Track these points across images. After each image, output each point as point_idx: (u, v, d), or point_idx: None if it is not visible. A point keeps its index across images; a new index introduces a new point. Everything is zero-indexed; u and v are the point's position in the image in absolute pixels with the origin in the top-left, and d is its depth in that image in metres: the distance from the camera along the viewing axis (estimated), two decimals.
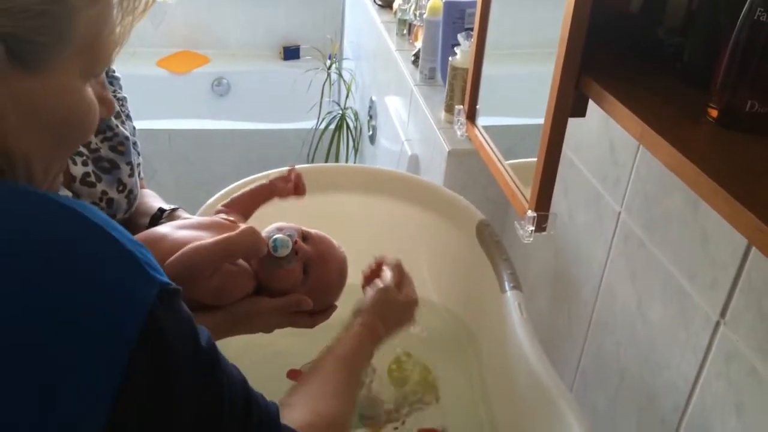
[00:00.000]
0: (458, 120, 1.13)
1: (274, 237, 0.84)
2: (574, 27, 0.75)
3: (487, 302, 1.18)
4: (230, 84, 3.29)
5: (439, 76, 1.71)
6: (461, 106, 1.12)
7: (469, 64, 1.09)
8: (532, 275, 1.40)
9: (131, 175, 1.03)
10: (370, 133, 2.27)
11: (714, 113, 0.68)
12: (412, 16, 1.95)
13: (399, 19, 2.01)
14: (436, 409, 1.14)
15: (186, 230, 0.88)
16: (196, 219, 0.96)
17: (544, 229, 0.86)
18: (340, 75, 2.69)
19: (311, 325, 0.89)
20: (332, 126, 2.55)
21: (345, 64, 2.80)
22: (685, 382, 0.91)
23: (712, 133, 0.67)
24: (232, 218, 0.92)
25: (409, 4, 1.96)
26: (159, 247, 0.82)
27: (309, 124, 2.70)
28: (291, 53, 3.29)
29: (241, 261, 0.84)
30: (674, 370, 0.94)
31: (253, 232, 0.81)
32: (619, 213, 1.07)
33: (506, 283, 1.12)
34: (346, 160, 2.54)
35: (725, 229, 0.82)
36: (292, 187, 0.98)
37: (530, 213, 0.87)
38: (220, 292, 0.82)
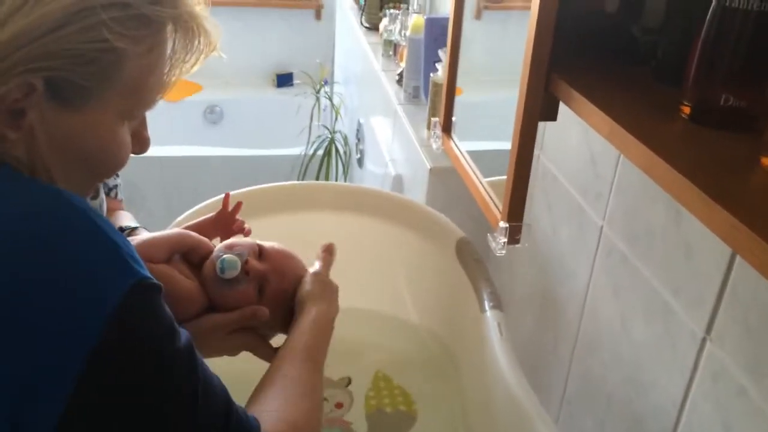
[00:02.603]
0: (434, 133, 1.09)
1: (222, 257, 0.78)
2: (540, 25, 0.71)
3: (467, 322, 1.13)
4: (223, 111, 3.28)
5: (422, 94, 1.67)
6: (437, 119, 1.09)
7: (444, 75, 1.05)
8: (519, 294, 1.35)
9: (94, 198, 1.00)
10: (358, 156, 2.23)
11: (687, 110, 0.64)
12: (397, 37, 1.93)
13: (384, 40, 1.99)
14: None
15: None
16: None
17: (517, 241, 0.81)
18: (329, 99, 2.66)
19: (268, 357, 0.79)
20: (321, 151, 2.52)
21: (335, 88, 2.78)
22: (672, 404, 0.85)
23: (684, 130, 0.63)
24: None
25: (395, 25, 1.94)
26: None
27: (300, 149, 2.67)
28: (284, 80, 3.28)
29: (188, 277, 0.79)
30: (661, 392, 0.88)
31: (186, 233, 0.79)
32: (602, 227, 1.02)
33: (486, 303, 1.07)
34: None
35: (709, 242, 0.77)
36: (231, 222, 0.91)
37: (502, 224, 0.82)
38: (166, 294, 0.76)
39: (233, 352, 0.83)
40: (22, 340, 0.49)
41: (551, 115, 0.78)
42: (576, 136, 1.07)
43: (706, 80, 0.61)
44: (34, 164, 0.55)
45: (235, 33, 3.18)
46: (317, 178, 2.50)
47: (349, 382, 1.17)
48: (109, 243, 0.52)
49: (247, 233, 0.92)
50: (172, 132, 3.06)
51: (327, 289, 0.81)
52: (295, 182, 1.24)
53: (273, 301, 0.81)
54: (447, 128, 1.07)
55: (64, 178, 0.57)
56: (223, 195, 0.92)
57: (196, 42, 0.61)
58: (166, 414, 0.54)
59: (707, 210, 0.52)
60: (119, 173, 1.13)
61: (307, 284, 0.81)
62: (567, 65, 0.77)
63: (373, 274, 1.26)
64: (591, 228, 1.05)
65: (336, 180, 2.52)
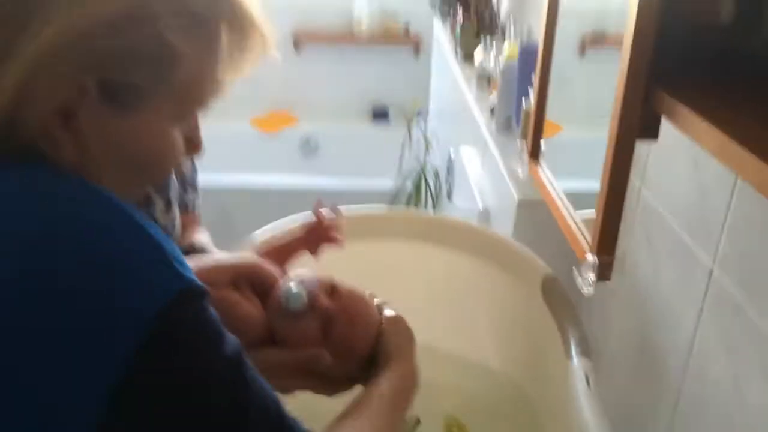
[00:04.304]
0: (521, 158, 1.00)
1: (289, 287, 0.73)
2: (639, 27, 0.62)
3: (550, 369, 1.01)
4: (318, 143, 3.32)
5: (515, 125, 1.59)
6: (525, 141, 1.00)
7: (533, 97, 0.97)
8: (611, 342, 1.21)
9: (167, 212, 0.98)
10: (448, 189, 2.16)
11: None
12: (492, 66, 1.86)
13: (479, 70, 1.93)
14: None
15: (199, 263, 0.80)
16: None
17: (607, 277, 0.71)
18: (423, 133, 2.62)
19: (330, 393, 0.77)
20: (411, 184, 2.47)
21: (429, 122, 2.74)
22: None
23: None
24: None
25: (489, 55, 1.87)
26: None
27: (391, 182, 2.64)
28: (380, 114, 3.29)
29: (253, 304, 0.75)
30: None
31: (255, 261, 0.74)
32: (711, 270, 0.89)
33: (573, 349, 0.95)
34: None
35: None
36: (325, 233, 0.86)
37: (590, 257, 0.72)
38: (225, 320, 0.72)
39: (288, 390, 0.78)
40: (56, 348, 0.45)
41: (651, 133, 0.67)
42: (683, 164, 0.95)
43: None
44: (82, 166, 0.52)
45: (335, 68, 3.23)
46: None
47: (417, 422, 1.08)
48: (155, 245, 0.48)
49: (335, 241, 0.86)
50: (268, 163, 3.12)
51: (412, 341, 0.76)
52: (371, 208, 1.18)
53: (337, 345, 0.74)
54: (534, 153, 0.98)
55: (113, 182, 0.54)
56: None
57: (252, 41, 0.58)
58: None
59: None
60: (197, 188, 1.12)
61: (391, 332, 0.76)
62: (672, 79, 0.67)
63: (449, 310, 1.17)
64: (698, 271, 0.92)
65: None
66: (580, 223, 0.81)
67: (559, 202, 0.86)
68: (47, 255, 0.46)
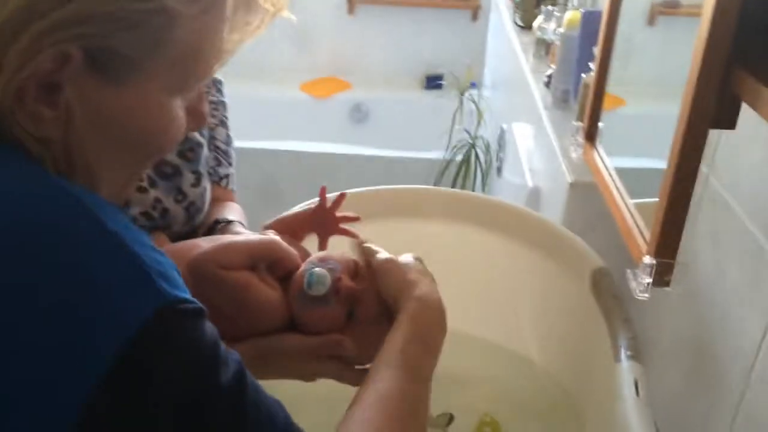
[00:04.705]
0: (576, 140, 0.91)
1: (311, 270, 0.68)
2: None
3: (596, 371, 0.94)
4: (369, 111, 3.25)
5: (572, 99, 1.48)
6: (580, 123, 0.91)
7: (594, 70, 0.87)
8: (664, 343, 1.12)
9: (195, 185, 0.93)
10: (498, 164, 2.07)
11: None
12: (551, 35, 1.74)
13: (537, 39, 1.81)
14: None
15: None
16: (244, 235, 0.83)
17: (666, 284, 0.62)
18: (474, 103, 2.51)
19: (355, 382, 0.71)
20: (461, 156, 2.38)
21: (483, 92, 2.63)
22: None
23: None
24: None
25: (550, 22, 1.75)
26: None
27: (440, 153, 2.56)
28: (433, 81, 3.19)
29: (272, 287, 0.70)
30: None
31: (273, 242, 0.68)
32: None
33: (622, 351, 0.87)
34: None
35: None
36: (328, 219, 0.80)
37: (647, 259, 0.63)
38: (241, 303, 0.67)
39: (309, 378, 0.73)
40: (22, 370, 0.39)
41: (728, 122, 0.58)
42: (760, 152, 0.85)
43: None
44: (71, 148, 0.47)
45: (389, 32, 3.14)
46: (454, 185, 2.36)
47: (451, 419, 1.02)
48: (129, 257, 0.41)
49: (347, 234, 0.80)
50: (316, 129, 3.07)
51: (425, 273, 0.67)
52: (410, 186, 1.11)
53: (364, 329, 0.68)
54: (591, 136, 0.89)
55: (106, 164, 0.49)
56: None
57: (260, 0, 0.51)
58: None
59: None
60: (232, 161, 1.07)
61: (385, 282, 0.67)
62: (756, 61, 0.57)
63: (490, 298, 1.10)
64: None
65: (473, 188, 2.36)
66: (637, 216, 0.73)
67: (615, 192, 0.78)
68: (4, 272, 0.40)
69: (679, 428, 1.02)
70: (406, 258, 0.70)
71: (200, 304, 0.44)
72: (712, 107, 0.56)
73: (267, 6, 0.51)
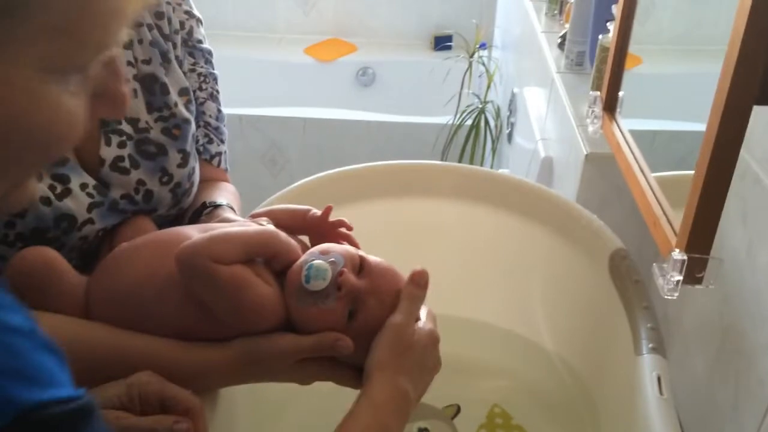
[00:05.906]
0: (592, 111, 0.83)
1: (310, 263, 0.62)
2: None
3: (614, 362, 0.87)
4: (375, 74, 3.14)
5: (588, 62, 1.38)
6: (597, 93, 0.82)
7: (613, 37, 0.78)
8: (688, 328, 1.05)
9: (182, 165, 0.86)
10: (509, 130, 1.98)
11: None
12: None
13: None
14: None
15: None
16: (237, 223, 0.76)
17: (699, 281, 0.55)
18: (484, 65, 2.41)
19: (355, 385, 0.65)
20: (471, 121, 2.28)
21: (493, 53, 2.52)
22: None
23: None
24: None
25: None
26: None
27: (448, 118, 2.46)
28: (443, 42, 3.07)
29: (268, 282, 0.65)
30: None
31: (271, 233, 0.64)
32: None
33: (643, 343, 0.81)
34: (482, 161, 2.27)
35: None
36: (323, 227, 0.74)
37: (677, 254, 0.56)
38: (234, 302, 0.62)
39: (304, 381, 0.67)
40: None
41: None
42: None
43: None
44: None
45: None
46: (463, 151, 2.28)
47: (458, 411, 0.96)
48: None
49: (347, 239, 0.73)
50: (321, 93, 2.98)
51: (407, 352, 0.61)
52: (411, 162, 1.03)
53: (366, 331, 0.63)
54: (610, 106, 0.81)
55: None
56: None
57: None
58: None
59: None
60: (224, 138, 0.99)
61: (377, 345, 0.62)
62: None
63: (501, 281, 1.03)
64: None
65: (483, 155, 2.28)
66: (664, 202, 0.65)
67: (638, 172, 0.69)
68: None
69: (703, 422, 0.96)
70: (420, 330, 0.64)
71: (88, 403, 0.33)
72: (757, 80, 0.47)
73: None
